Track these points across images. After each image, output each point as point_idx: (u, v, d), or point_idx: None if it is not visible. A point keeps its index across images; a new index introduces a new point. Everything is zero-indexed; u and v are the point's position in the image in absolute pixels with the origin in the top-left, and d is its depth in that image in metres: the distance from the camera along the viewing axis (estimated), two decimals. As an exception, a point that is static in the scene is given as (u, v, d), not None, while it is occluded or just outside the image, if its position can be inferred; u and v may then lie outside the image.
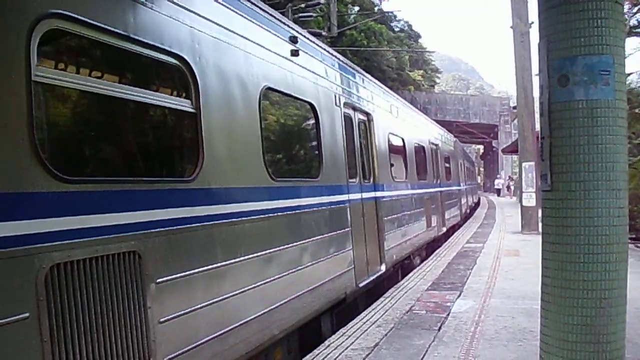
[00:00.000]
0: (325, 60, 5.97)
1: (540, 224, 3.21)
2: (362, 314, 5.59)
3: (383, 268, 7.27)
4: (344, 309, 5.92)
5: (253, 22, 4.31)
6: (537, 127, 4.59)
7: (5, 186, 2.23)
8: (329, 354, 4.29)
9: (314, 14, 24.08)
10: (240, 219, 3.81)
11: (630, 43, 12.92)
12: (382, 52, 40.84)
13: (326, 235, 5.34)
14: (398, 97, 10.06)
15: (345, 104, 6.32)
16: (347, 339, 4.68)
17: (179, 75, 3.40)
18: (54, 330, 2.35)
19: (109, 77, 2.93)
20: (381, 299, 6.32)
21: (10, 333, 2.18)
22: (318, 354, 4.32)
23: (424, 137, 11.66)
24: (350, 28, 33.57)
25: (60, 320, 2.38)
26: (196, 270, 3.29)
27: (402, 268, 9.03)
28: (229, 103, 3.88)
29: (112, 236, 2.68)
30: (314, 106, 5.34)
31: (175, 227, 3.13)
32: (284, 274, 4.39)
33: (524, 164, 13.46)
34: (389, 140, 8.22)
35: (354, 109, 6.74)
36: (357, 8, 40.84)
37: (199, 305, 3.31)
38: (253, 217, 3.98)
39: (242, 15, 4.15)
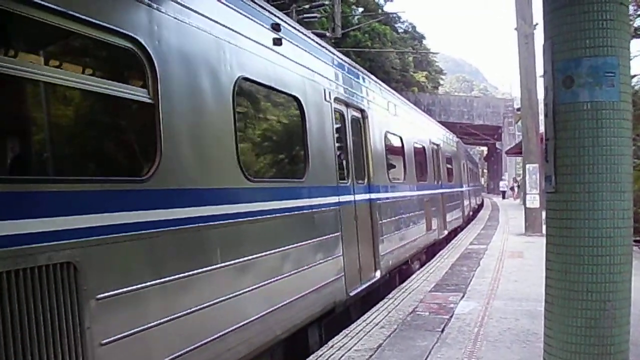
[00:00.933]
0: (314, 51, 5.51)
1: (544, 226, 3.20)
2: (365, 315, 5.58)
3: (378, 274, 6.86)
4: (335, 318, 5.57)
5: (226, 5, 3.89)
6: (542, 128, 4.58)
7: None
8: (332, 354, 4.29)
9: (318, 15, 24.11)
10: (207, 223, 3.40)
11: (636, 45, 12.88)
12: (386, 54, 40.86)
13: (312, 240, 4.93)
14: (396, 94, 9.64)
15: (336, 99, 5.91)
16: (350, 340, 4.67)
17: (133, 61, 2.99)
18: None
19: (35, 58, 2.58)
20: (384, 300, 6.31)
21: None
22: (321, 355, 4.32)
23: (424, 137, 11.27)
24: (354, 29, 33.63)
25: None
26: (149, 284, 2.88)
27: (400, 273, 8.64)
28: (195, 93, 3.46)
29: (39, 245, 2.30)
30: (299, 101, 4.91)
31: (122, 234, 2.72)
32: (259, 285, 3.95)
33: (527, 166, 13.42)
34: (385, 139, 7.84)
35: (347, 105, 6.34)
36: (361, 9, 40.89)
37: (152, 324, 2.89)
38: (223, 221, 3.57)
39: None
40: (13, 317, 2.16)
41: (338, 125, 5.97)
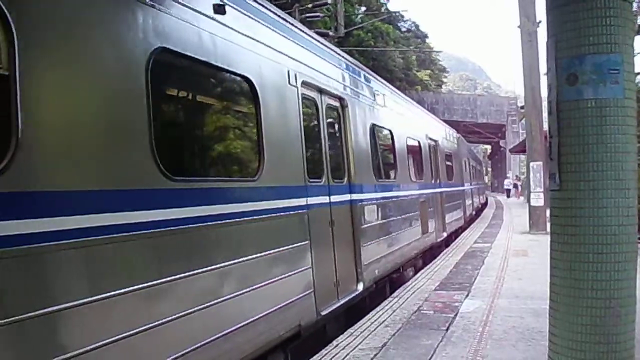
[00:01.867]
0: (275, 25, 4.60)
1: (548, 224, 3.20)
2: (370, 314, 5.59)
3: (360, 287, 5.96)
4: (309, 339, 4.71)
5: None
6: (545, 126, 4.54)
7: None
8: (336, 353, 4.30)
9: (321, 14, 24.08)
10: (103, 236, 2.59)
11: (640, 41, 12.82)
12: (389, 52, 40.82)
13: (265, 253, 4.05)
14: (385, 83, 8.63)
15: (305, 83, 5.02)
16: (354, 339, 4.68)
17: None
18: None
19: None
20: (389, 298, 6.31)
21: None
22: (326, 354, 4.32)
23: (420, 132, 10.30)
24: (357, 28, 33.58)
25: None
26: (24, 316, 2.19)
27: (392, 282, 7.69)
28: (82, 65, 2.67)
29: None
30: (251, 82, 4.07)
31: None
32: (180, 313, 3.07)
33: (531, 164, 13.39)
34: (371, 133, 6.92)
35: (320, 91, 5.47)
36: (364, 8, 40.86)
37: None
38: (126, 233, 2.73)
39: None
40: None
41: (308, 115, 5.19)
